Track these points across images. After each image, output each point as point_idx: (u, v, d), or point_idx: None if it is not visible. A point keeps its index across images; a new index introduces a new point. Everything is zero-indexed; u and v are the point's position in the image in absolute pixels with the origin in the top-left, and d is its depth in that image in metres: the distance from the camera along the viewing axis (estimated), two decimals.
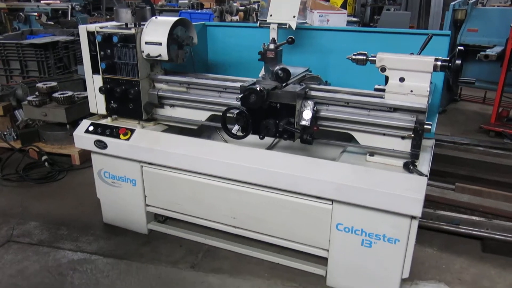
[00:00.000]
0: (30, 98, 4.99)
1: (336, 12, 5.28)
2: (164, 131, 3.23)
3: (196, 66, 3.50)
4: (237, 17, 5.40)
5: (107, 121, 3.30)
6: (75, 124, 4.16)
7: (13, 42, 6.34)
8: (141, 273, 2.95)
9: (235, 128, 2.62)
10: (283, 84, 2.60)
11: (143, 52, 3.01)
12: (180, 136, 3.03)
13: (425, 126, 2.38)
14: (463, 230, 3.33)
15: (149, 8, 3.16)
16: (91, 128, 3.23)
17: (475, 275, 3.02)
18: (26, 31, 7.90)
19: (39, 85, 5.08)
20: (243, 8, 5.33)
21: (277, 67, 2.50)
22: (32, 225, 3.56)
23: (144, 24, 3.03)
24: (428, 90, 2.37)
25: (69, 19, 8.96)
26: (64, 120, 4.86)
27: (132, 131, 3.12)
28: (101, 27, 3.10)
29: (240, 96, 2.48)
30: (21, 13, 9.87)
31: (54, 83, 5.14)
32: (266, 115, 2.60)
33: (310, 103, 2.58)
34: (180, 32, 3.09)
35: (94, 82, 3.23)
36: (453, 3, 6.35)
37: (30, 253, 3.18)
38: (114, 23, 3.19)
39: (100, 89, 3.17)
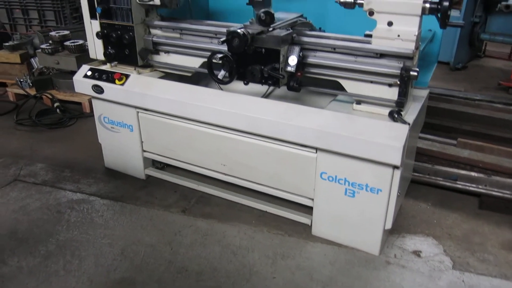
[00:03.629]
0: (43, 46, 5.09)
1: None
2: (160, 78, 3.25)
3: (193, 12, 3.46)
4: None
5: (106, 67, 3.34)
6: None
7: None
8: (134, 215, 3.06)
9: (221, 74, 2.61)
10: (270, 29, 2.54)
11: None
12: (172, 82, 3.04)
13: (411, 73, 2.29)
14: (460, 186, 3.26)
15: None
16: (89, 73, 3.29)
17: (467, 230, 2.98)
18: None
19: (52, 33, 5.16)
20: None
21: (261, 11, 2.44)
22: (38, 166, 3.72)
23: None
24: (416, 34, 2.27)
25: None
26: (75, 68, 4.93)
27: (127, 76, 3.15)
28: None
29: (222, 40, 2.45)
30: None
31: (66, 32, 5.21)
32: (252, 61, 2.57)
33: (296, 49, 2.52)
34: None
35: (92, 27, 3.26)
36: None
37: (33, 191, 3.34)
38: None
39: (97, 34, 3.19)
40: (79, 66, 4.98)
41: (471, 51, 6.62)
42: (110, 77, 3.18)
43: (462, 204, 3.24)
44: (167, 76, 3.27)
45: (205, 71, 3.01)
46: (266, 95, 3.21)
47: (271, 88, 3.20)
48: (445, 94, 4.39)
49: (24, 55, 5.59)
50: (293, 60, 2.50)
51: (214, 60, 2.59)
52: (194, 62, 3.06)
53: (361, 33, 2.99)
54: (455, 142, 3.52)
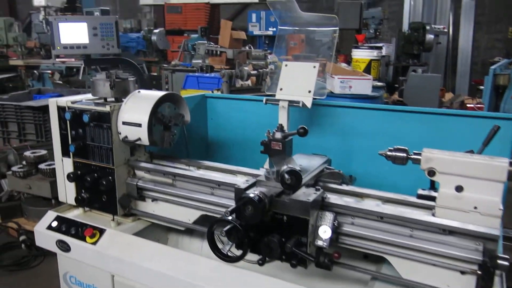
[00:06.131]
0: (15, 168, 4.47)
1: (360, 77, 4.68)
2: (145, 229, 2.57)
3: (190, 147, 2.87)
4: (248, 82, 4.87)
5: (77, 214, 2.67)
6: None
7: (12, 104, 5.93)
8: None
9: (227, 247, 1.92)
10: None
11: (120, 134, 2.41)
12: (159, 245, 2.34)
13: (500, 262, 1.62)
14: None
15: (132, 79, 2.59)
16: (54, 224, 2.58)
17: None
18: (33, 90, 7.59)
19: (27, 153, 4.57)
20: (255, 72, 4.78)
21: (284, 168, 1.82)
22: None
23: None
24: (502, 208, 1.65)
25: (81, 78, 8.65)
26: (49, 194, 4.29)
27: (102, 232, 2.45)
28: (73, 102, 2.53)
29: (229, 209, 1.79)
30: (35, 71, 9.70)
31: (43, 152, 4.61)
32: (269, 229, 1.90)
33: (329, 217, 1.87)
34: (168, 109, 2.49)
35: (63, 166, 2.64)
36: (493, 67, 5.71)
37: None
38: (90, 96, 2.63)
39: (68, 177, 2.55)
40: (53, 193, 4.38)
41: None
42: (79, 233, 2.47)
43: None
44: (153, 225, 2.60)
45: (202, 229, 2.35)
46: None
47: None
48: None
49: None
50: (325, 233, 1.84)
51: (217, 232, 1.91)
52: (189, 215, 2.39)
53: (396, 175, 2.44)
54: None
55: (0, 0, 18.60)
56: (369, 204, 1.93)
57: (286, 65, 2.55)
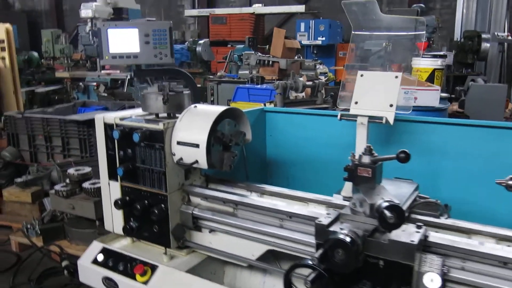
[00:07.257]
0: (58, 187, 4.27)
1: (426, 88, 4.26)
2: (202, 262, 2.26)
3: (248, 168, 2.55)
4: (303, 94, 4.55)
5: (125, 244, 2.40)
6: None
7: (56, 118, 5.82)
8: None
9: None
10: None
11: (174, 155, 2.12)
12: (217, 286, 2.02)
13: None
14: None
15: (187, 93, 2.31)
16: (100, 258, 2.31)
17: None
18: (78, 102, 7.52)
19: (70, 171, 4.36)
20: (311, 83, 4.44)
21: (381, 203, 1.46)
22: None
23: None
24: None
25: (125, 90, 8.53)
26: (93, 215, 4.04)
27: (154, 268, 2.15)
28: (122, 118, 2.27)
29: (317, 255, 1.44)
30: (80, 83, 9.71)
31: (87, 169, 4.40)
32: (359, 275, 1.55)
33: (436, 261, 1.50)
34: (228, 127, 2.19)
35: (110, 192, 2.38)
36: None
37: None
38: (140, 111, 2.37)
39: (116, 203, 2.28)
40: (97, 214, 4.16)
41: None
42: (128, 269, 2.19)
43: None
44: (209, 257, 2.29)
45: (266, 267, 2.03)
46: None
47: None
48: None
49: (37, 193, 4.80)
50: (432, 282, 1.47)
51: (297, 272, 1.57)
52: (253, 250, 2.06)
53: (497, 207, 2.05)
54: None
55: (48, 12, 19.15)
56: (486, 246, 1.54)
57: (361, 75, 2.21)
